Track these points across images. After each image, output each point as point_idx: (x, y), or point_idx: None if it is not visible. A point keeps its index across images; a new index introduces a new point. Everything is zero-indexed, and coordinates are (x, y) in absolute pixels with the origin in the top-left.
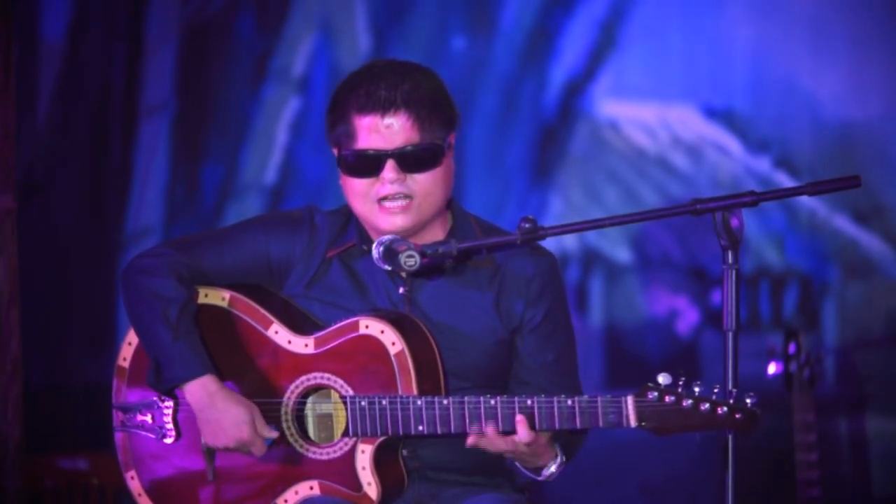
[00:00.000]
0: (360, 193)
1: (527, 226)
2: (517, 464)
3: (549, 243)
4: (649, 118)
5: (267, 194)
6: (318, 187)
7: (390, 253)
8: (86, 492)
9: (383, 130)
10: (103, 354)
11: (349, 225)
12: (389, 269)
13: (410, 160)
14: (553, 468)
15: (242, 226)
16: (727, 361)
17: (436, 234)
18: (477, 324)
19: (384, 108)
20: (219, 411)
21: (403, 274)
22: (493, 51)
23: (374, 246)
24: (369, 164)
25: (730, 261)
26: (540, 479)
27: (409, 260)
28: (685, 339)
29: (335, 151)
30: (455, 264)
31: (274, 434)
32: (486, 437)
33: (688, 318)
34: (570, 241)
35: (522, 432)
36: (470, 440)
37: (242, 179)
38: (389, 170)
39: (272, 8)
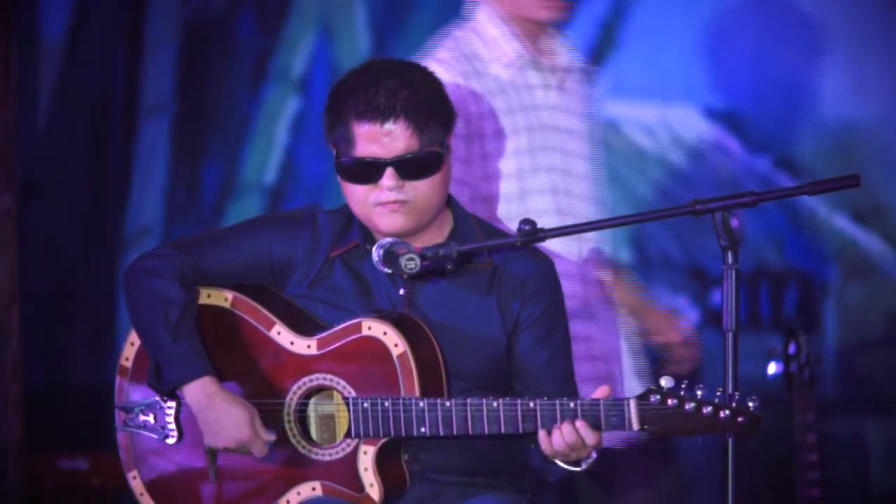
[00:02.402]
0: (358, 199)
1: (526, 227)
2: (557, 461)
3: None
4: (649, 118)
5: (267, 194)
6: (318, 187)
7: (390, 256)
8: (86, 492)
9: (382, 138)
10: (103, 354)
11: (352, 224)
12: (390, 271)
13: (409, 168)
14: (594, 454)
15: (244, 226)
16: (727, 362)
17: (436, 234)
18: (477, 326)
19: (383, 116)
20: (218, 412)
21: (404, 276)
22: None
23: (373, 249)
24: (368, 172)
25: (730, 261)
26: (580, 469)
27: (410, 263)
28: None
29: (333, 151)
30: (455, 267)
31: (272, 437)
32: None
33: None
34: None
35: (591, 437)
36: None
37: (242, 179)
38: (388, 177)
39: (272, 8)
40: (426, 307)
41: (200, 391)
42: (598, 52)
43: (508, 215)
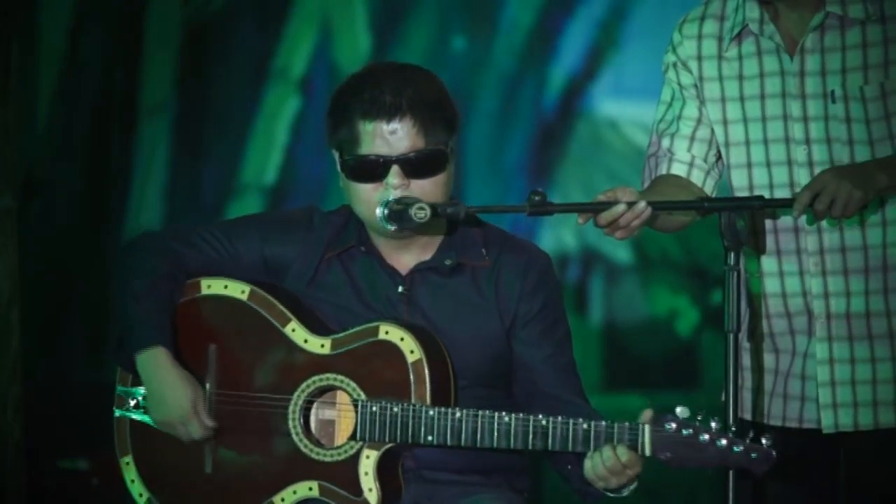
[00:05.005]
0: (363, 198)
1: (536, 198)
2: (599, 485)
3: (549, 242)
4: (649, 118)
5: (267, 194)
6: (318, 187)
7: (398, 209)
8: (86, 492)
9: (388, 136)
10: (104, 354)
11: (348, 226)
12: (395, 228)
13: (415, 166)
14: (636, 483)
15: (240, 222)
16: (728, 363)
17: (435, 234)
18: (476, 323)
19: (389, 114)
20: (162, 384)
21: (414, 226)
22: (493, 51)
23: (377, 208)
24: (374, 170)
25: (731, 262)
26: (621, 495)
27: (420, 212)
28: (685, 339)
29: (336, 155)
30: (453, 263)
31: (210, 423)
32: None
33: (688, 318)
34: (570, 241)
35: (631, 462)
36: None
37: (242, 179)
38: (394, 176)
39: (272, 8)
40: (425, 305)
41: (151, 360)
42: (598, 52)
43: None
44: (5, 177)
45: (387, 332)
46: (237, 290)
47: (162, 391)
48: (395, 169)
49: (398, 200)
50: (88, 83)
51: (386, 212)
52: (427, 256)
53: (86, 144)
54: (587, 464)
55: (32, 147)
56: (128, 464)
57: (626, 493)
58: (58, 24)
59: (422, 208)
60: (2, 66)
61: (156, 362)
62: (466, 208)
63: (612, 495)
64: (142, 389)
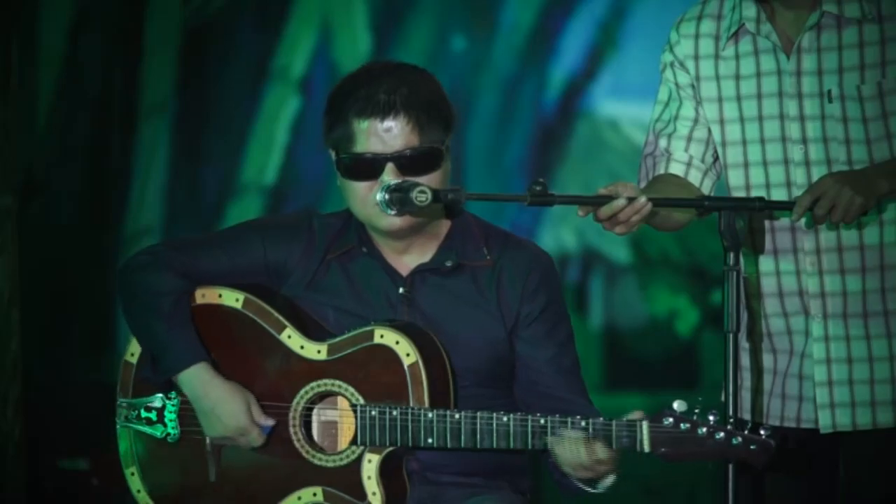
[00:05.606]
0: (359, 197)
1: (538, 188)
2: (573, 479)
3: (549, 242)
4: (649, 118)
5: (267, 194)
6: (318, 187)
7: (399, 193)
8: (86, 492)
9: (382, 134)
10: (104, 354)
11: (348, 227)
12: (395, 212)
13: (410, 164)
14: (612, 477)
15: (240, 229)
16: (727, 363)
17: (434, 234)
18: (477, 324)
19: (384, 112)
20: (213, 401)
21: (415, 210)
22: (493, 51)
23: (377, 193)
24: (368, 168)
25: (731, 262)
26: (595, 490)
27: (421, 196)
28: (685, 339)
29: (333, 154)
30: (454, 265)
31: (270, 422)
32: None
33: (688, 318)
34: (570, 241)
35: (600, 453)
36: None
37: (242, 179)
38: (389, 173)
39: (272, 8)
40: (425, 306)
41: (195, 379)
42: (598, 53)
43: None
44: (5, 177)
45: (382, 336)
46: (231, 298)
47: (214, 408)
48: (389, 167)
49: (398, 185)
50: (88, 83)
51: (386, 196)
52: (427, 258)
53: (86, 144)
54: (557, 451)
55: (32, 147)
56: (133, 474)
57: (600, 488)
58: (58, 24)
59: (423, 192)
60: (2, 66)
61: (202, 379)
62: (467, 194)
63: (588, 489)
64: (144, 400)
